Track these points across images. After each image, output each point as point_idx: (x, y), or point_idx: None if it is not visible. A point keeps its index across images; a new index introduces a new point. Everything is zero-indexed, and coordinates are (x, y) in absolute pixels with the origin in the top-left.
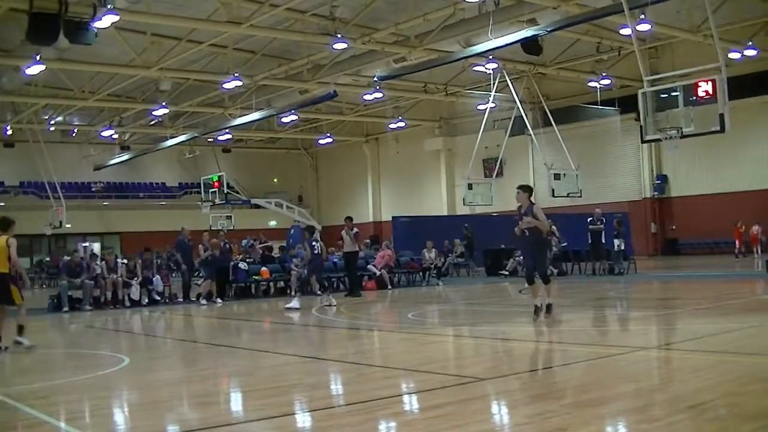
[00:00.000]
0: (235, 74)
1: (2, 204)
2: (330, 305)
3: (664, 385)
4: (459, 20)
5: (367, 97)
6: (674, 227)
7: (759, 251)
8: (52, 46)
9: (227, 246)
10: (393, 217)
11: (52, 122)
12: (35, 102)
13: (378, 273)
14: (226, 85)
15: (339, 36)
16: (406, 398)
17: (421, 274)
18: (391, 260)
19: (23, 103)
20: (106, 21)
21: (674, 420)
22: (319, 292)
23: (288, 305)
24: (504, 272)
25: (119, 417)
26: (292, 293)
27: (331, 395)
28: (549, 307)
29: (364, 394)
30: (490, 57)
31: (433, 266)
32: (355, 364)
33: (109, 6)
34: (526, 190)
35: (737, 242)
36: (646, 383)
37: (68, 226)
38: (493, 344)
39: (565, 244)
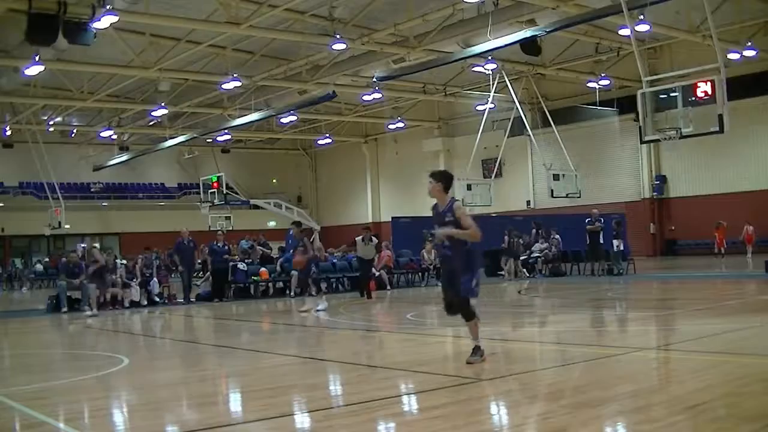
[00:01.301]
0: (234, 75)
1: (1, 204)
2: (316, 309)
3: (663, 385)
4: (458, 21)
5: (366, 97)
6: (673, 228)
7: (751, 251)
8: (50, 46)
9: (225, 246)
10: (392, 218)
11: (51, 123)
12: (34, 102)
13: (377, 273)
14: (225, 86)
15: (338, 36)
16: (405, 399)
17: (420, 274)
18: (390, 261)
19: (22, 103)
20: (104, 22)
21: (673, 420)
22: (313, 294)
23: (317, 308)
24: (502, 273)
25: (118, 417)
26: (312, 294)
27: (330, 396)
28: (475, 350)
29: (363, 394)
30: (489, 57)
31: (432, 267)
32: (354, 364)
33: (107, 7)
34: (441, 178)
35: (717, 241)
36: (645, 384)
37: (67, 226)
38: (492, 345)
39: (560, 245)
